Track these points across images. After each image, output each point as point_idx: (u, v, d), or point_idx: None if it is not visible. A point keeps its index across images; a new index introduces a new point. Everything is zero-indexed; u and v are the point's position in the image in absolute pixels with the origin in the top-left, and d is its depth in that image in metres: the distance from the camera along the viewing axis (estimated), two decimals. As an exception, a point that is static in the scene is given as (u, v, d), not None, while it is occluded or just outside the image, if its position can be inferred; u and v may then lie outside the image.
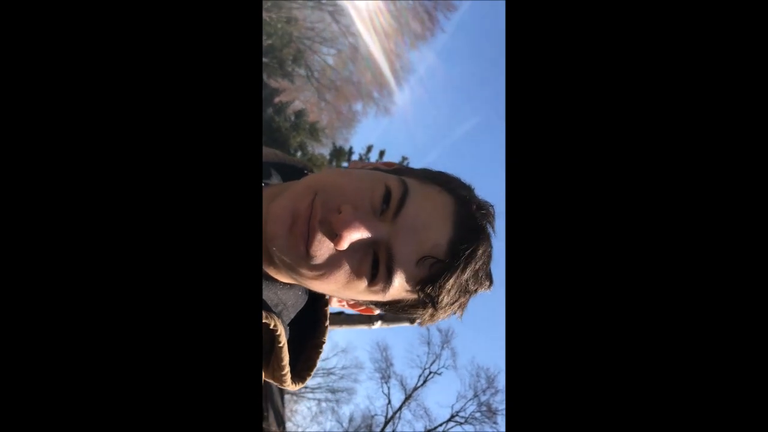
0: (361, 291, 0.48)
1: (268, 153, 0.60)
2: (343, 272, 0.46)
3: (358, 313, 0.57)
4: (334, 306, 0.56)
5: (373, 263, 0.46)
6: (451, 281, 0.46)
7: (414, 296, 0.49)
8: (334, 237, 0.45)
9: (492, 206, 0.51)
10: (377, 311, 0.55)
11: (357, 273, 0.47)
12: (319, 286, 0.49)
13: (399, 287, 0.47)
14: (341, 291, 0.49)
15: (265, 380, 0.54)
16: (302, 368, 0.55)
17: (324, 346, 0.56)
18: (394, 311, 0.53)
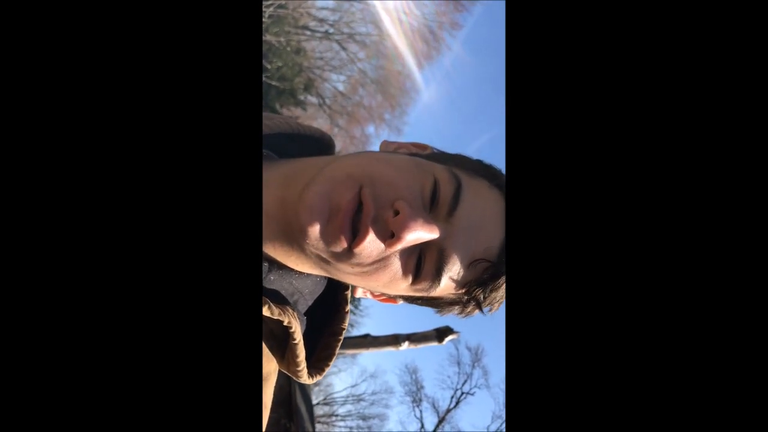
0: (401, 289, 0.45)
1: (281, 123, 0.52)
2: (389, 272, 0.43)
3: (380, 302, 0.53)
4: (357, 295, 0.52)
5: (417, 261, 0.43)
6: (504, 286, 0.45)
7: (455, 296, 0.46)
8: (388, 237, 0.41)
9: None
10: (400, 302, 0.52)
11: (403, 272, 0.43)
12: (356, 282, 0.46)
13: (444, 287, 0.44)
14: (379, 288, 0.46)
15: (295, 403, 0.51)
16: (320, 358, 0.51)
17: (344, 332, 0.51)
18: (424, 305, 0.50)
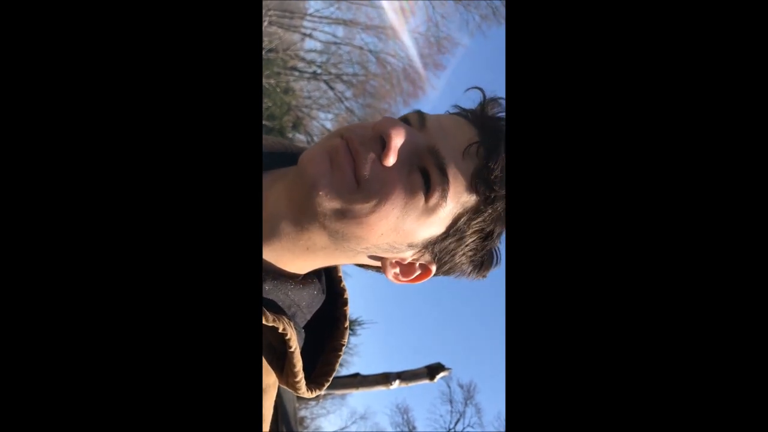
0: (420, 214, 0.46)
1: (275, 143, 0.56)
2: (398, 192, 0.45)
3: (414, 282, 0.52)
4: (389, 277, 0.51)
5: (422, 176, 0.46)
6: (500, 159, 0.46)
7: (471, 200, 0.48)
8: (380, 149, 0.45)
9: (492, 97, 0.51)
10: (433, 269, 0.51)
11: (411, 189, 0.45)
12: (374, 227, 0.45)
13: (456, 191, 0.47)
14: (399, 222, 0.46)
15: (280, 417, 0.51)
16: (319, 373, 0.52)
17: (344, 348, 0.52)
18: (454, 247, 0.50)
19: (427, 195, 0.46)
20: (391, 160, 0.44)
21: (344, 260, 0.51)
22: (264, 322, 0.44)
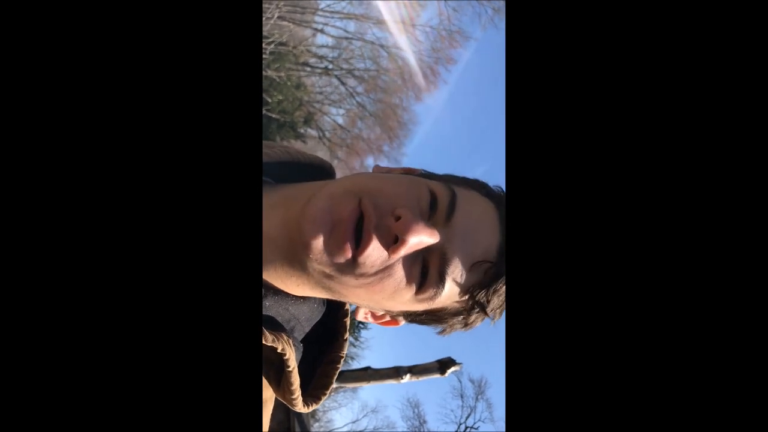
0: (405, 301, 0.46)
1: (281, 152, 0.53)
2: (394, 281, 0.44)
3: (382, 325, 0.53)
4: (359, 318, 0.52)
5: (422, 269, 0.44)
6: (503, 288, 0.45)
7: (458, 305, 0.47)
8: (392, 243, 0.42)
9: None
10: (402, 322, 0.52)
11: (407, 280, 0.44)
12: (359, 296, 0.45)
13: (448, 295, 0.45)
14: (383, 301, 0.46)
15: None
16: (317, 386, 0.51)
17: (342, 361, 0.52)
18: (427, 320, 0.50)
19: (419, 290, 0.45)
20: (399, 257, 0.43)
21: (331, 298, 0.50)
22: (263, 342, 0.43)
